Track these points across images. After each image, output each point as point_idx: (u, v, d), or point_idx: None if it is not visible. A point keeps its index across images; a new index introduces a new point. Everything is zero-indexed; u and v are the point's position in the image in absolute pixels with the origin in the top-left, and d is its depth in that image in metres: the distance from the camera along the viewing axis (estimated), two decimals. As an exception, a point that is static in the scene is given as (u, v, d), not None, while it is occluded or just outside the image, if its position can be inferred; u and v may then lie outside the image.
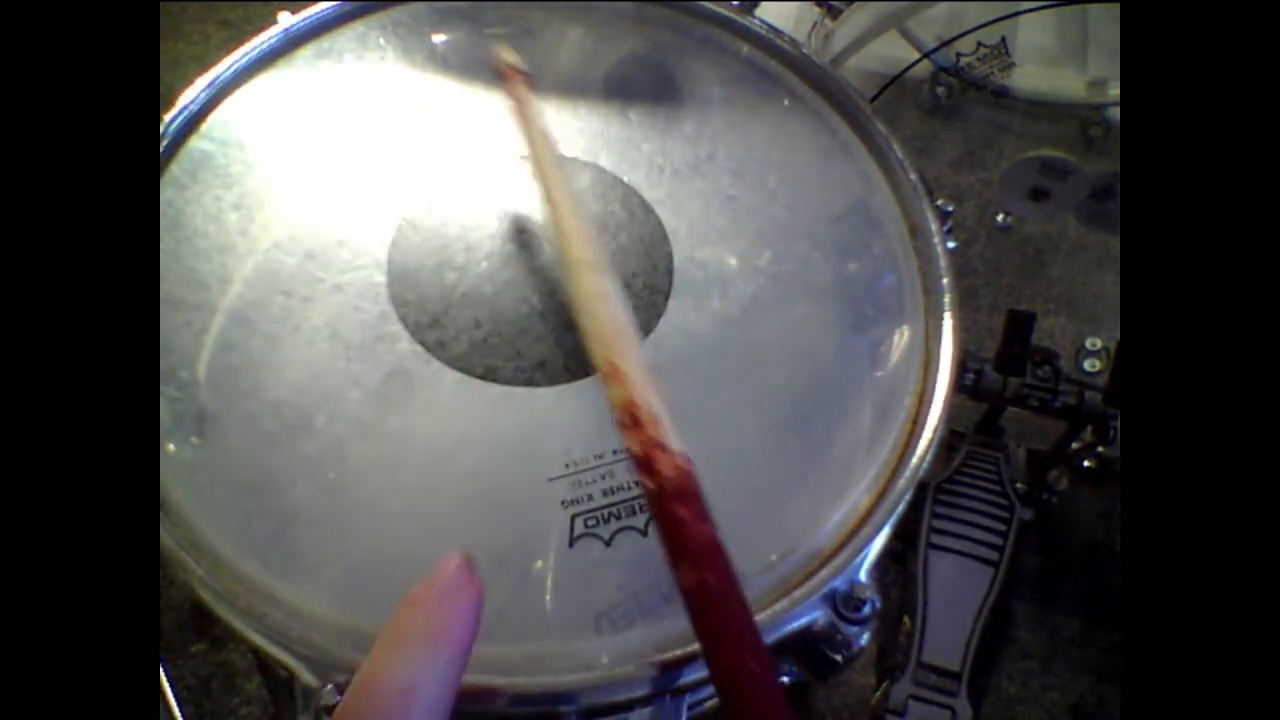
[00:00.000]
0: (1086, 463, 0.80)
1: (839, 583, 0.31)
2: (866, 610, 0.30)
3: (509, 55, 0.40)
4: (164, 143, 0.39)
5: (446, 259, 0.38)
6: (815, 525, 0.32)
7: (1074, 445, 0.80)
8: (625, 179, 0.41)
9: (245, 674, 0.82)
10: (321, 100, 0.42)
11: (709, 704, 0.33)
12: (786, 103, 0.45)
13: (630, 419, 0.27)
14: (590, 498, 0.32)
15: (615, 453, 0.33)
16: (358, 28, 0.45)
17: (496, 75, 0.41)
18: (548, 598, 0.30)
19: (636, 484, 0.33)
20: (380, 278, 0.37)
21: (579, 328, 0.32)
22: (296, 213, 0.38)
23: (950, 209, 0.41)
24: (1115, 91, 0.87)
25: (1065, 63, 0.89)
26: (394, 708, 0.20)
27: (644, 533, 0.32)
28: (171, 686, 0.49)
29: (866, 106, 0.44)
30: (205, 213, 0.38)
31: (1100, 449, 0.79)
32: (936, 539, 0.77)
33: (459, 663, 0.21)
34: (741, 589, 0.24)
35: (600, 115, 0.43)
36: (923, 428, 0.34)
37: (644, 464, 0.26)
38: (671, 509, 0.25)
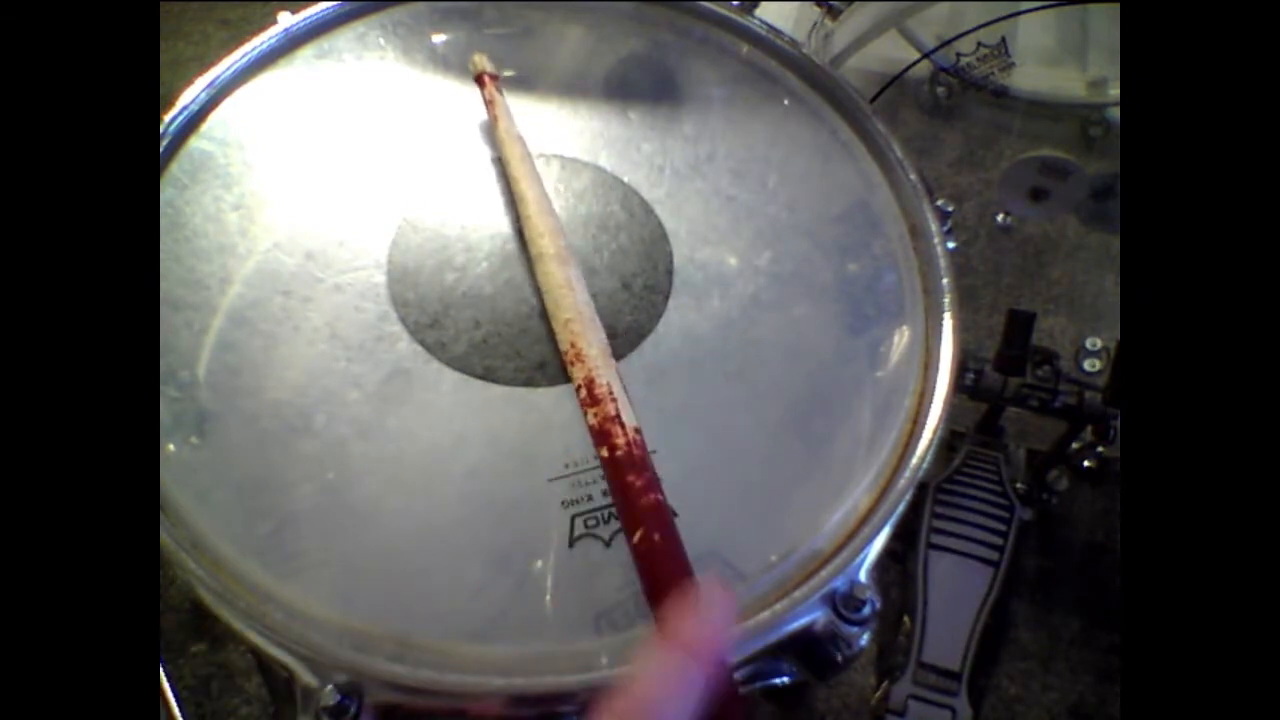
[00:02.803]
0: (1086, 463, 0.80)
1: (839, 583, 0.31)
2: (866, 610, 0.30)
3: (481, 60, 0.42)
4: (164, 143, 0.39)
5: (446, 259, 0.38)
6: (815, 525, 0.32)
7: (1074, 445, 0.80)
8: (625, 179, 0.41)
9: (245, 674, 0.82)
10: (321, 100, 0.42)
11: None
12: (786, 103, 0.45)
13: (590, 396, 0.30)
14: (590, 498, 0.32)
15: (615, 453, 0.33)
16: (358, 28, 0.45)
17: (471, 79, 0.42)
18: (548, 598, 0.30)
19: (636, 484, 0.33)
20: (380, 278, 0.37)
21: (546, 314, 0.35)
22: (296, 213, 0.38)
23: (950, 209, 0.41)
24: (1115, 91, 0.87)
25: (1065, 63, 0.89)
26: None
27: (644, 533, 0.32)
28: (171, 686, 0.49)
29: (866, 106, 0.44)
30: (205, 213, 0.38)
31: (1100, 449, 0.79)
32: (936, 539, 0.77)
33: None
34: (685, 550, 0.27)
35: (600, 115, 0.43)
36: (923, 428, 0.34)
37: (600, 436, 0.29)
38: (624, 477, 0.28)
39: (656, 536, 0.27)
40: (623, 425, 0.29)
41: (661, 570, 0.26)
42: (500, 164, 0.40)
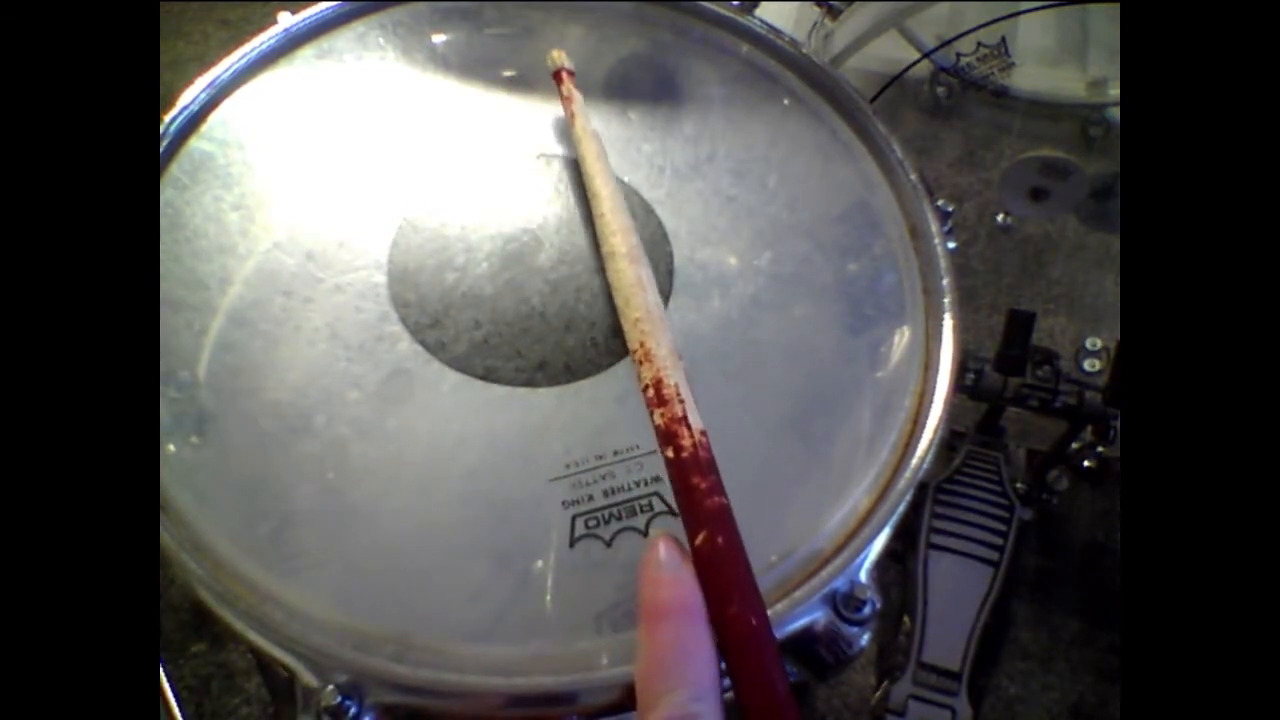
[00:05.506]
0: (1086, 463, 0.80)
1: (839, 583, 0.31)
2: (867, 611, 0.30)
3: (560, 56, 0.42)
4: (164, 143, 0.39)
5: (447, 259, 0.38)
6: (815, 526, 0.32)
7: (1074, 445, 0.80)
8: (625, 179, 0.41)
9: (245, 674, 0.82)
10: (321, 100, 0.42)
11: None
12: (786, 103, 0.45)
13: (657, 396, 0.30)
14: (591, 498, 0.32)
15: (616, 454, 0.33)
16: (358, 28, 0.45)
17: (549, 76, 0.43)
18: (548, 598, 0.30)
19: (637, 484, 0.33)
20: (380, 278, 0.37)
21: (616, 311, 0.35)
22: (297, 213, 0.38)
23: (950, 209, 0.41)
24: (1115, 91, 0.87)
25: (1065, 63, 0.89)
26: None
27: (645, 534, 0.32)
28: (171, 686, 0.49)
29: (866, 106, 0.44)
30: (205, 213, 0.38)
31: (1100, 449, 0.79)
32: (936, 539, 0.77)
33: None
34: (745, 554, 0.27)
35: (600, 115, 0.43)
36: (923, 428, 0.34)
37: (667, 437, 0.29)
38: (689, 478, 0.28)
39: (720, 540, 0.26)
40: (689, 427, 0.29)
41: (722, 574, 0.26)
42: (576, 161, 0.40)
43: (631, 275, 0.34)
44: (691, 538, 0.27)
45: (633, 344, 0.32)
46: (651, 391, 0.30)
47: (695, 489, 0.27)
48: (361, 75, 0.44)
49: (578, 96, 0.41)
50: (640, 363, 0.31)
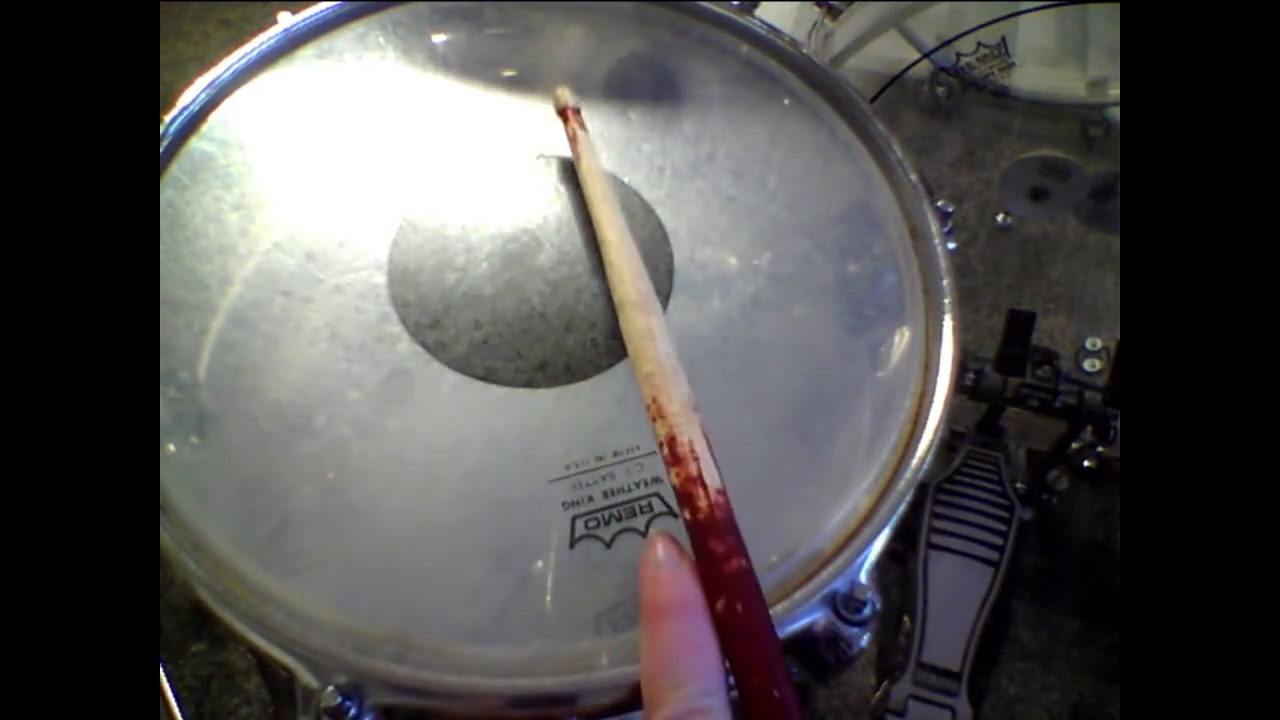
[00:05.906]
0: (1086, 463, 0.80)
1: (839, 584, 0.31)
2: (867, 611, 0.30)
3: (566, 94, 0.41)
4: (164, 143, 0.39)
5: (447, 260, 0.38)
6: (815, 526, 0.32)
7: (1074, 445, 0.80)
8: (625, 179, 0.41)
9: (245, 674, 0.82)
10: (321, 100, 0.42)
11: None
12: (786, 103, 0.45)
13: (671, 454, 0.28)
14: (591, 499, 0.32)
15: (616, 455, 0.33)
16: (358, 28, 0.45)
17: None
18: (548, 598, 0.30)
19: (637, 485, 0.33)
20: (381, 278, 0.37)
21: (632, 366, 0.33)
22: (297, 213, 0.38)
23: (950, 209, 0.41)
24: (1115, 91, 0.87)
25: (1065, 63, 0.89)
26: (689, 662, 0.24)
27: (644, 534, 0.32)
28: (171, 686, 0.49)
29: (866, 106, 0.44)
30: (205, 213, 0.38)
31: (1100, 449, 0.79)
32: (936, 539, 0.77)
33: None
34: (770, 619, 0.26)
35: (600, 115, 0.43)
36: (923, 428, 0.34)
37: (683, 498, 0.28)
38: (707, 542, 0.26)
39: (739, 606, 0.25)
40: (705, 486, 0.27)
41: (743, 643, 0.25)
42: (587, 200, 0.39)
43: (643, 325, 0.33)
44: (711, 603, 0.26)
45: (645, 398, 0.31)
46: (666, 450, 0.29)
47: (713, 554, 0.26)
48: (361, 75, 0.44)
49: (583, 135, 0.40)
50: (654, 419, 0.30)
